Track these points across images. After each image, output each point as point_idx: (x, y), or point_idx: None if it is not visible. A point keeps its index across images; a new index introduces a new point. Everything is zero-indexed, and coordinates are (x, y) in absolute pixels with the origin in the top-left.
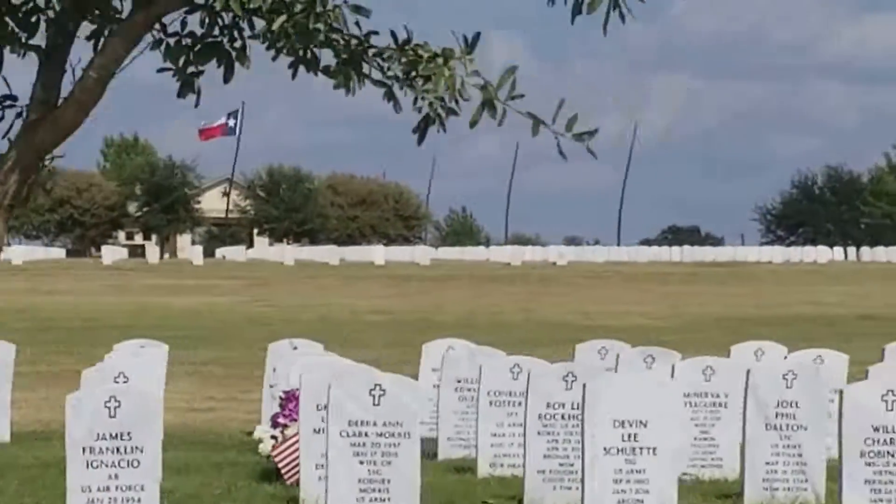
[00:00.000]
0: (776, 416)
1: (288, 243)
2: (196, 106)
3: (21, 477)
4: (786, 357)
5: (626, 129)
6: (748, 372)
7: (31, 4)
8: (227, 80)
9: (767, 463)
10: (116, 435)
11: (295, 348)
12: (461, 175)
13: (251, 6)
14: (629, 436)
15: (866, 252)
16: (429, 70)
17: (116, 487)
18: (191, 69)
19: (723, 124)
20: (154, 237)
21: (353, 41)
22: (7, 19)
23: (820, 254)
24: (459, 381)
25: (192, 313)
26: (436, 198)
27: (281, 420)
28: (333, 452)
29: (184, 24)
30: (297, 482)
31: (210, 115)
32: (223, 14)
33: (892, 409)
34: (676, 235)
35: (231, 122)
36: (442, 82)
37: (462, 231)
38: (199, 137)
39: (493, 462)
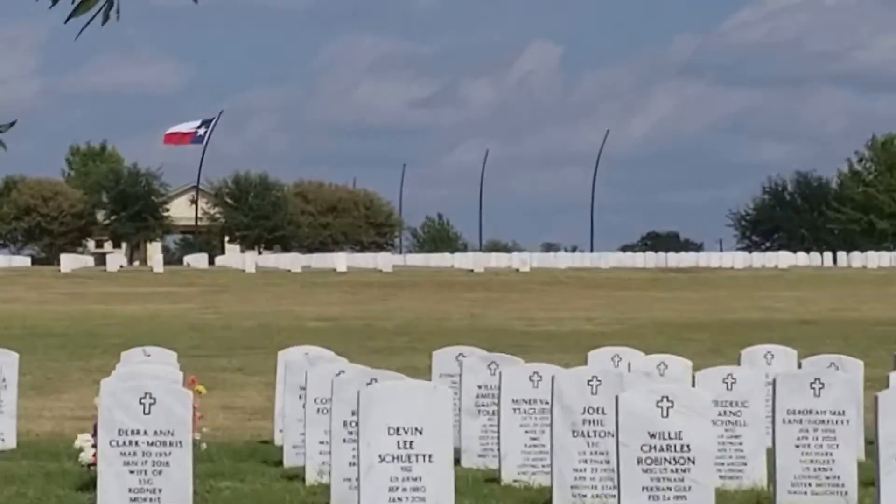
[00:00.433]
0: (583, 423)
1: (259, 251)
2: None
3: None
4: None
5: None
6: (553, 378)
7: None
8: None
9: (576, 469)
10: None
11: (148, 356)
12: (441, 183)
13: None
14: (405, 443)
15: (842, 257)
16: None
17: None
18: None
19: (704, 130)
20: (124, 245)
21: None
22: None
23: (781, 259)
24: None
25: (133, 321)
26: (417, 205)
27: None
28: (104, 462)
29: None
30: None
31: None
32: None
33: (667, 416)
34: (656, 242)
35: (202, 131)
36: None
37: (439, 238)
38: (164, 141)
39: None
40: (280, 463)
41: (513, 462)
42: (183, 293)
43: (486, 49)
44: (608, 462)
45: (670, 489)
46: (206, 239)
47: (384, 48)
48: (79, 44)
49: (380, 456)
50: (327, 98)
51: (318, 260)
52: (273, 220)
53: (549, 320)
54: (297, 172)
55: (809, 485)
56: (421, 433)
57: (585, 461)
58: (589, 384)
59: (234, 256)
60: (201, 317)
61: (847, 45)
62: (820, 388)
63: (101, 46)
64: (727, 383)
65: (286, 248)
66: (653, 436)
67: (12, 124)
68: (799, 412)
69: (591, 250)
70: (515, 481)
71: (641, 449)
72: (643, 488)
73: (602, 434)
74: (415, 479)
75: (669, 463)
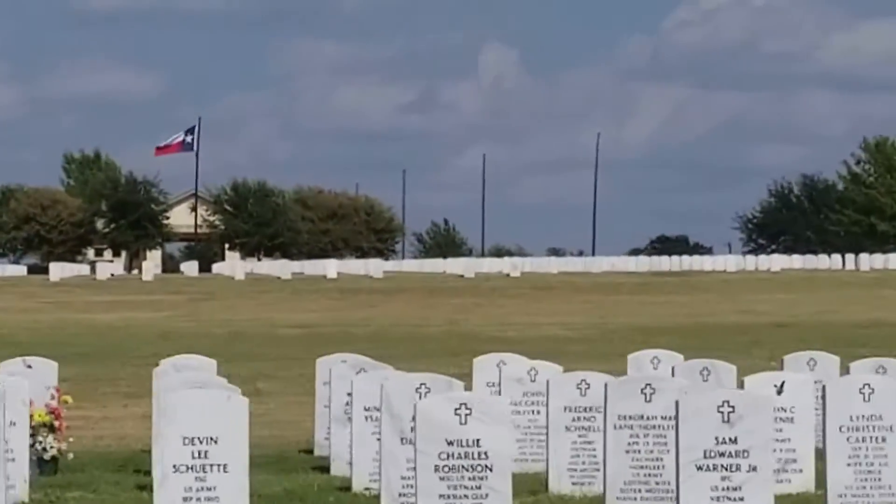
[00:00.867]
0: (411, 431)
1: (259, 258)
2: None
3: None
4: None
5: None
6: (381, 386)
7: None
8: None
9: (403, 478)
10: None
11: (29, 366)
12: (447, 187)
13: None
14: (199, 453)
15: (841, 260)
16: None
17: None
18: None
19: (714, 133)
20: (123, 254)
21: None
22: None
23: (775, 262)
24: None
25: (105, 329)
26: (422, 210)
27: None
28: None
29: None
30: None
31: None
32: None
33: (465, 423)
34: (665, 245)
35: (188, 139)
36: None
37: (445, 243)
38: (155, 154)
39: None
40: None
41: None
42: (168, 301)
43: (442, 52)
44: None
45: (467, 497)
46: (207, 246)
47: (340, 52)
48: (50, 49)
49: (174, 466)
50: (310, 103)
51: (311, 267)
52: (273, 226)
53: (525, 326)
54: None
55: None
56: (216, 442)
57: (413, 468)
58: (417, 391)
59: (230, 264)
60: (176, 325)
61: (804, 46)
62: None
63: (75, 52)
64: (580, 389)
65: (287, 255)
66: (450, 443)
67: None
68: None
69: (594, 254)
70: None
71: (439, 456)
72: (440, 496)
73: None
74: (209, 489)
75: (467, 470)
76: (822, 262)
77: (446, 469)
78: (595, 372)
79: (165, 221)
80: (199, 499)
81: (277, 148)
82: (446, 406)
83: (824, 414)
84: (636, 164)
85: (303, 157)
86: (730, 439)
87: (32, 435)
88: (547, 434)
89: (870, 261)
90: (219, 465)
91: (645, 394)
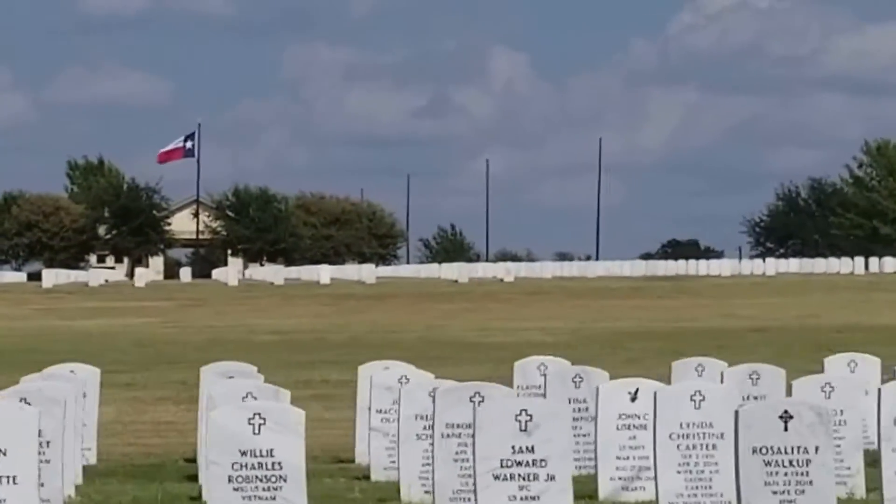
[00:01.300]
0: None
1: (262, 264)
2: None
3: None
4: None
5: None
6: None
7: None
8: None
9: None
10: None
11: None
12: (455, 192)
13: None
14: None
15: (848, 264)
16: None
17: None
18: None
19: (726, 137)
20: (126, 260)
21: None
22: None
23: (769, 266)
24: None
25: (82, 336)
26: (437, 215)
27: None
28: None
29: None
30: None
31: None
32: None
33: (259, 433)
34: (676, 249)
35: (189, 144)
36: None
37: (452, 248)
38: (158, 161)
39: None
40: None
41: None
42: (157, 308)
43: (451, 57)
44: None
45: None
46: (210, 252)
47: (350, 57)
48: (59, 55)
49: None
50: (320, 109)
51: (307, 272)
52: (274, 232)
53: (505, 331)
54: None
55: None
56: (5, 455)
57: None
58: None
59: (225, 270)
60: (156, 331)
61: (811, 49)
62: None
63: (84, 59)
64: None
65: (289, 261)
66: (244, 453)
67: None
68: None
69: (597, 259)
70: None
71: (232, 467)
72: None
73: None
74: (1, 502)
75: (261, 481)
76: (819, 265)
77: (240, 479)
78: (447, 379)
79: (167, 227)
80: None
81: (288, 154)
82: (239, 416)
83: (655, 421)
84: (649, 168)
85: (314, 163)
86: (527, 448)
87: None
88: (398, 442)
89: (867, 264)
90: (8, 478)
91: (474, 402)
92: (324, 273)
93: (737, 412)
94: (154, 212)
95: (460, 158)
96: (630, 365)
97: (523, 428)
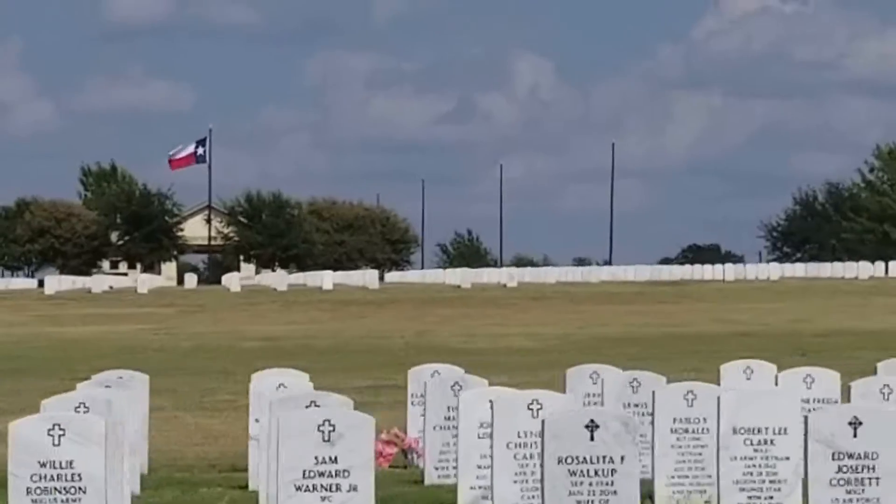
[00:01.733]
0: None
1: (274, 269)
2: None
3: None
4: None
5: (648, 148)
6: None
7: None
8: None
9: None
10: None
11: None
12: (484, 198)
13: None
14: None
15: (855, 268)
16: None
17: None
18: None
19: (750, 141)
20: (139, 266)
21: None
22: None
23: (773, 270)
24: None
25: (68, 343)
26: (459, 221)
27: None
28: None
29: None
30: None
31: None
32: None
33: (59, 444)
34: (696, 254)
35: (200, 150)
36: None
37: (468, 254)
38: (170, 168)
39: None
40: None
41: None
42: (155, 314)
43: (472, 63)
44: None
45: None
46: (226, 258)
47: (372, 64)
48: (82, 63)
49: None
50: (343, 115)
51: (311, 278)
52: (287, 238)
53: (494, 337)
54: (324, 190)
55: None
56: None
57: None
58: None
59: (229, 276)
60: (146, 338)
61: (835, 54)
62: None
63: (107, 66)
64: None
65: (302, 267)
66: (43, 465)
67: None
68: None
69: (610, 263)
70: None
71: (31, 479)
72: None
73: None
74: None
75: (60, 493)
76: (825, 270)
77: (38, 491)
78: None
79: (179, 233)
80: None
81: (310, 160)
82: (40, 426)
83: (493, 429)
84: (673, 173)
85: (336, 169)
86: (330, 458)
87: None
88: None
89: (887, 268)
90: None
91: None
92: (326, 279)
93: (543, 421)
94: (166, 218)
95: (484, 164)
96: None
97: (326, 438)
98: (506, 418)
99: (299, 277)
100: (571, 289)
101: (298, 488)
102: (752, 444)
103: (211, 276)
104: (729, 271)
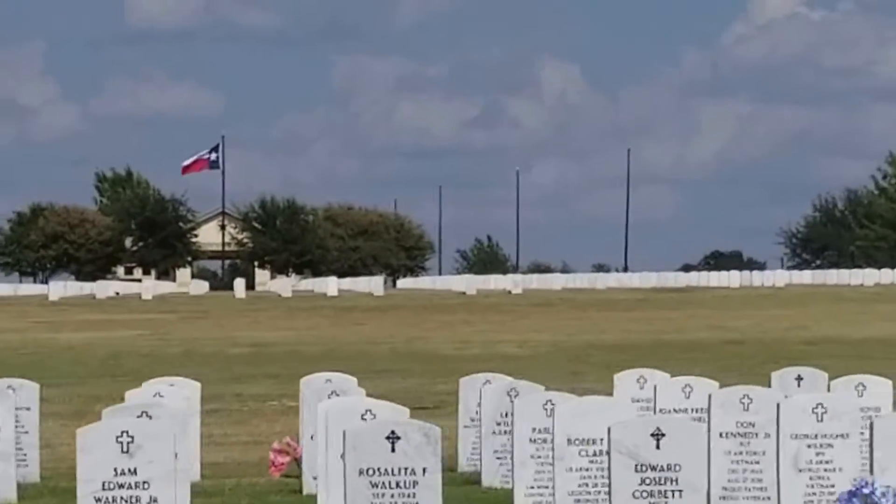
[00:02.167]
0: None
1: (288, 275)
2: None
3: None
4: None
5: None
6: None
7: None
8: None
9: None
10: None
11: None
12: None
13: None
14: None
15: (864, 276)
16: None
17: None
18: None
19: (777, 148)
20: (153, 272)
21: None
22: None
23: (779, 277)
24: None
25: (62, 349)
26: (480, 226)
27: None
28: None
29: None
30: None
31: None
32: None
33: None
34: (718, 261)
35: (213, 156)
36: None
37: (488, 260)
38: (182, 173)
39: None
40: None
41: None
42: (155, 320)
43: (497, 69)
44: None
45: None
46: (241, 264)
47: (398, 69)
48: (106, 68)
49: None
50: (368, 120)
51: (318, 285)
52: (301, 244)
53: (485, 343)
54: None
55: None
56: (136, 473)
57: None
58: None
59: (239, 282)
60: (137, 344)
61: (863, 61)
62: None
63: (131, 71)
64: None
65: (316, 273)
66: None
67: None
68: None
69: (626, 269)
70: None
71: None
72: None
73: None
74: None
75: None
76: (831, 277)
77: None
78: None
79: (194, 239)
80: None
81: (335, 165)
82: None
83: (325, 442)
84: (699, 180)
85: (362, 174)
86: (129, 470)
87: None
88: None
89: (879, 276)
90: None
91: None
92: (331, 285)
93: (344, 432)
94: (180, 224)
95: (509, 169)
96: (572, 378)
97: (125, 450)
98: (339, 426)
99: (308, 283)
100: (577, 295)
101: (98, 500)
102: (587, 454)
103: (230, 281)
104: (735, 278)
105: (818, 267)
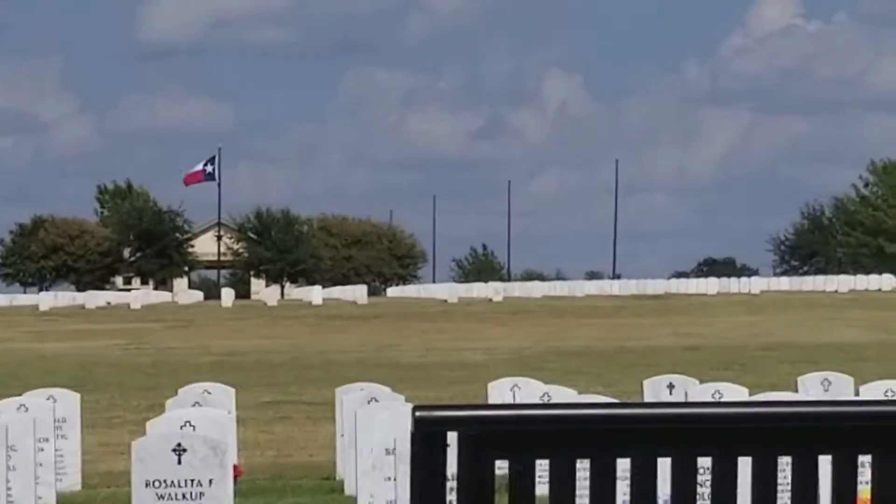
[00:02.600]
0: None
1: (282, 285)
2: None
3: None
4: None
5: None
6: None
7: None
8: None
9: None
10: None
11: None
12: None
13: None
14: None
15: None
16: None
17: None
18: None
19: (776, 157)
20: (151, 281)
21: None
22: None
23: (754, 284)
24: None
25: (34, 359)
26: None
27: None
28: None
29: None
30: None
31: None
32: None
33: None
34: (712, 267)
35: (209, 168)
36: None
37: (482, 269)
38: (184, 183)
39: None
40: None
41: None
42: (140, 329)
43: (501, 81)
44: None
45: None
46: (240, 273)
47: (404, 82)
48: (119, 82)
49: None
50: (376, 133)
51: (306, 293)
52: (295, 254)
53: (451, 351)
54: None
55: None
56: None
57: None
58: None
59: (227, 292)
60: (110, 353)
61: (858, 71)
62: None
63: (143, 85)
64: None
65: (310, 282)
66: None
67: None
68: None
69: (619, 277)
70: None
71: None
72: None
73: None
74: None
75: None
76: (807, 283)
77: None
78: None
79: (190, 249)
80: None
81: (346, 177)
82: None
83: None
84: (699, 189)
85: (371, 186)
86: None
87: None
88: None
89: (854, 282)
90: None
91: None
92: (315, 294)
93: (129, 444)
94: (177, 234)
95: (512, 179)
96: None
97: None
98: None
99: (296, 292)
100: (556, 303)
101: None
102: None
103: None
104: (713, 285)
105: (806, 273)
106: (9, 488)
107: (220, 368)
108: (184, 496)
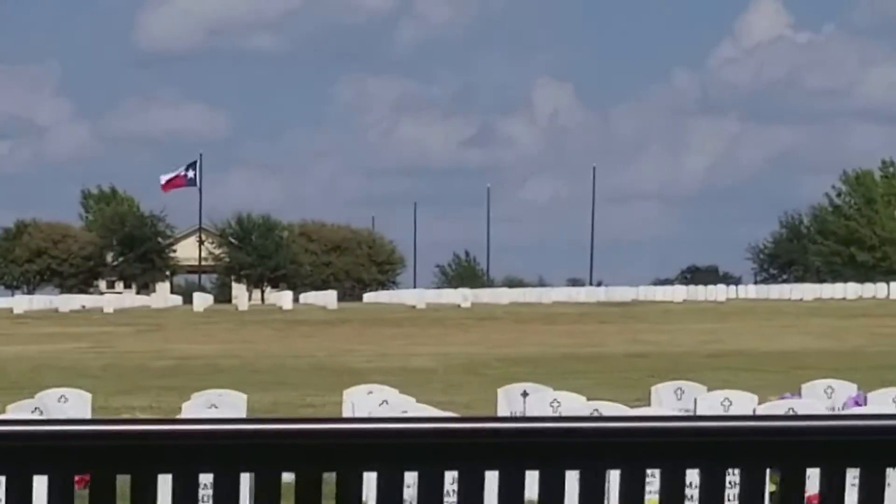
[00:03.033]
0: None
1: (263, 290)
2: None
3: None
4: None
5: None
6: None
7: None
8: None
9: None
10: None
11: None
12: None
13: None
14: None
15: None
16: None
17: None
18: None
19: (765, 167)
20: (133, 286)
21: None
22: None
23: (720, 293)
24: None
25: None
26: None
27: None
28: None
29: None
30: None
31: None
32: None
33: None
34: (695, 275)
35: (191, 174)
36: None
37: (465, 275)
38: (163, 189)
39: None
40: None
41: None
42: (107, 333)
43: (496, 88)
44: None
45: None
46: (220, 278)
47: (396, 90)
48: (116, 88)
49: None
50: (369, 140)
51: (278, 298)
52: (275, 259)
53: (404, 356)
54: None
55: None
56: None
57: None
58: None
59: (202, 296)
60: (64, 357)
61: (847, 82)
62: None
63: (140, 91)
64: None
65: (291, 287)
66: None
67: None
68: None
69: (599, 284)
70: None
71: None
72: None
73: None
74: None
75: None
76: (774, 291)
77: None
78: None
79: (172, 254)
80: None
81: (339, 184)
82: None
83: None
84: (688, 197)
85: (362, 193)
86: None
87: None
88: None
89: (820, 290)
90: None
91: None
92: (285, 299)
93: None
94: (159, 239)
95: (499, 187)
96: (444, 392)
97: None
98: None
99: (270, 297)
100: (522, 310)
101: None
102: None
103: (219, 295)
104: (680, 293)
105: (785, 281)
106: None
107: (172, 373)
108: None
